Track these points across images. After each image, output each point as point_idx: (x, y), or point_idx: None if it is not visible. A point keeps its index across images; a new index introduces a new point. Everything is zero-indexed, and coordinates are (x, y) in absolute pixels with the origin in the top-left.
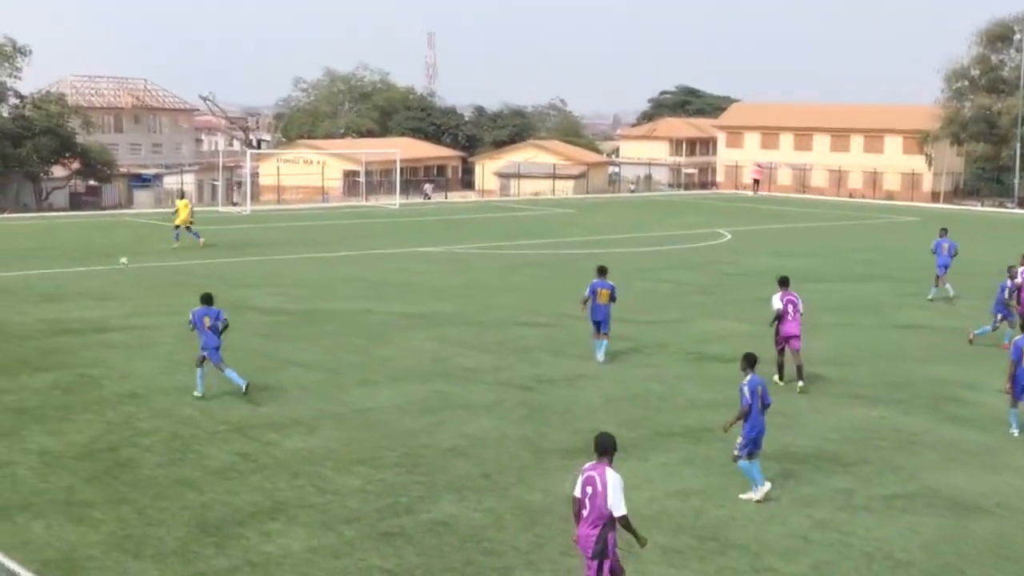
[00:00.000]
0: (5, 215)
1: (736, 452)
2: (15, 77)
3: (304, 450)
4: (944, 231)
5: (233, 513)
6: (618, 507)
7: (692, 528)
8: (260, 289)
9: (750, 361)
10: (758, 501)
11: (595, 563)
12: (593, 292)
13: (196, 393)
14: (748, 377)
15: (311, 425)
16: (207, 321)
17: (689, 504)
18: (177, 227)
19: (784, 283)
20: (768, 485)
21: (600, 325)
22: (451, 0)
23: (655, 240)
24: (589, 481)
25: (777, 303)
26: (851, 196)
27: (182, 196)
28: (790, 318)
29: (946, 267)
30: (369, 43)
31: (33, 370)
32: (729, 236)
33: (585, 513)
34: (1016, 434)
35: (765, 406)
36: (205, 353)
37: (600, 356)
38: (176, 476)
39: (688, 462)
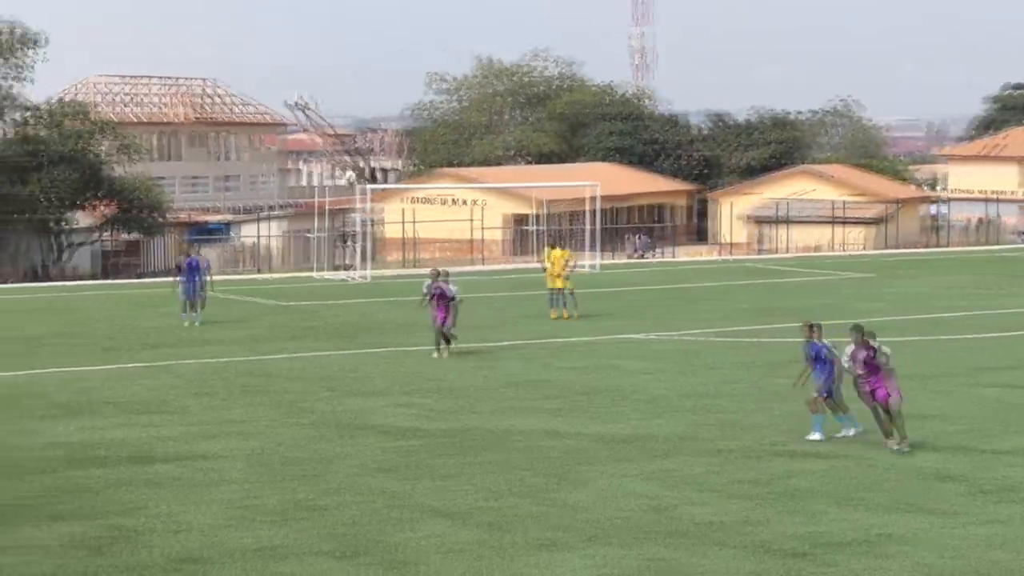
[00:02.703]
0: (5, 284)
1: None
2: (20, 80)
3: None
4: None
5: None
6: None
7: None
8: (383, 399)
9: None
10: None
11: None
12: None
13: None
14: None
15: None
16: None
17: None
18: None
19: None
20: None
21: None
22: None
23: (1007, 320)
24: None
25: None
26: None
27: None
28: None
29: None
30: (544, 18)
31: (43, 519)
32: None
33: None
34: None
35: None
36: None
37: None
38: None
39: None
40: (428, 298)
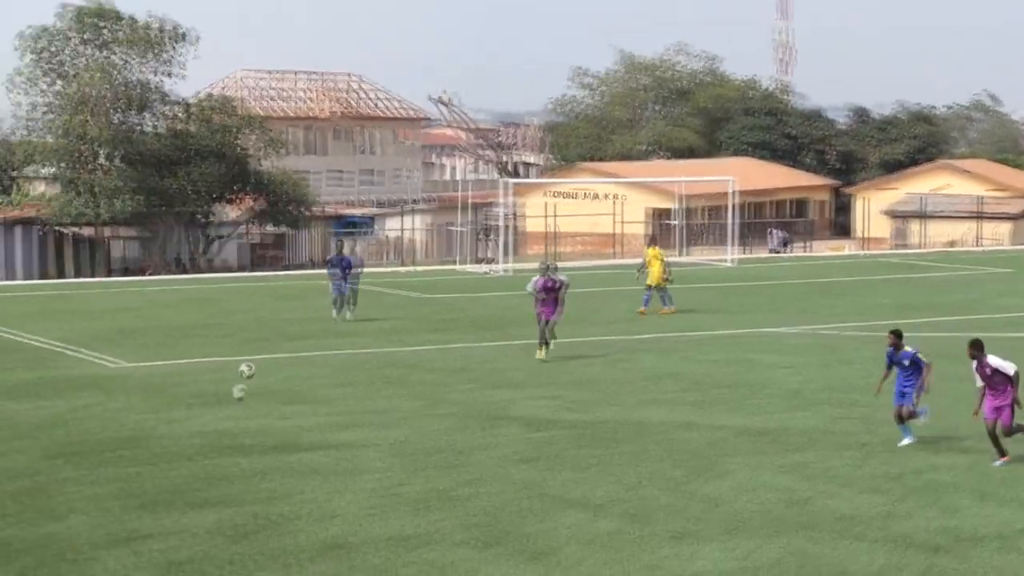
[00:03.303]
0: (154, 276)
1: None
2: (169, 75)
3: None
4: None
5: None
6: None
7: None
8: (523, 390)
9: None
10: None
11: None
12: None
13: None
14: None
15: None
16: None
17: None
18: None
19: None
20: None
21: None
22: None
23: None
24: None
25: None
26: None
27: None
28: None
29: None
30: (683, 15)
31: (187, 505)
32: None
33: None
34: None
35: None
36: None
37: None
38: None
39: None
40: (538, 294)
